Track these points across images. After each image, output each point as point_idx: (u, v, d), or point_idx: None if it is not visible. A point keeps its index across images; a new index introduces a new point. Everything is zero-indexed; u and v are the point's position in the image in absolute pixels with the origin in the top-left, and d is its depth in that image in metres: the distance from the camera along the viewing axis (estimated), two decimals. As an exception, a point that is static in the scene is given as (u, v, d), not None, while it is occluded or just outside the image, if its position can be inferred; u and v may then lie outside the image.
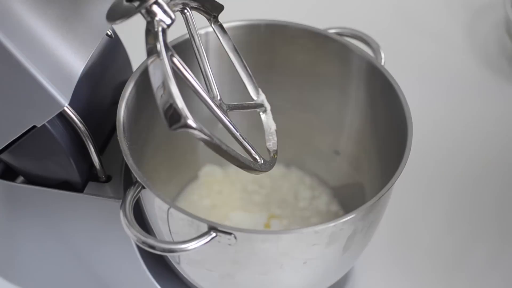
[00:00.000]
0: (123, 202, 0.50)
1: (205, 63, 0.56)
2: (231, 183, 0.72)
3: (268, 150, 0.58)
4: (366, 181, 0.67)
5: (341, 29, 0.65)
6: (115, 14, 0.46)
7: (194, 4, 0.55)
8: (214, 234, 0.49)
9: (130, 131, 0.56)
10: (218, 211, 0.70)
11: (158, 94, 0.43)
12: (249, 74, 0.59)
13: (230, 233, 0.49)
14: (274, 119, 0.60)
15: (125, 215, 0.49)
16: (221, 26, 0.58)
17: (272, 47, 0.66)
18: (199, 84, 0.49)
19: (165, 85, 0.43)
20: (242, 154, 0.51)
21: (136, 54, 0.63)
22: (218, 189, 0.72)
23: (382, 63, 0.62)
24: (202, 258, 0.54)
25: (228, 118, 0.53)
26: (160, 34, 0.45)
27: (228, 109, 0.56)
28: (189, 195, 0.72)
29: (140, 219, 0.56)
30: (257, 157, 0.55)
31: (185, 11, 0.54)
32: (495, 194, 0.76)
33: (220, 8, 0.57)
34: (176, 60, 0.47)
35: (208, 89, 0.56)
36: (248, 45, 0.64)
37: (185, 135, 0.44)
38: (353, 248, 0.55)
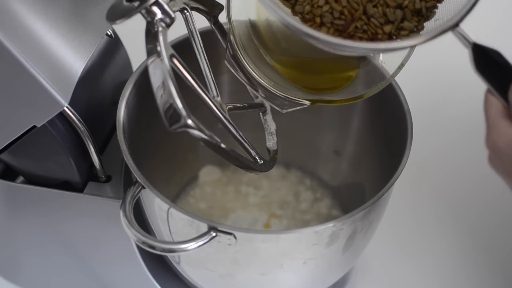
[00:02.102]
0: (123, 202, 0.50)
1: (205, 63, 0.56)
2: (231, 183, 0.72)
3: (268, 150, 0.58)
4: (366, 181, 0.67)
5: None
6: (115, 14, 0.46)
7: (194, 4, 0.55)
8: (214, 234, 0.49)
9: (130, 131, 0.56)
10: (218, 211, 0.70)
11: (158, 94, 0.43)
12: (249, 74, 0.59)
13: (230, 233, 0.49)
14: (274, 119, 0.60)
15: (125, 215, 0.49)
16: (221, 26, 0.58)
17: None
18: (199, 84, 0.49)
19: (165, 85, 0.43)
20: (242, 154, 0.51)
21: (136, 54, 0.63)
22: (218, 189, 0.72)
23: (380, 60, 0.62)
24: (202, 258, 0.54)
25: (228, 118, 0.53)
26: (160, 34, 0.45)
27: (228, 109, 0.56)
28: (188, 195, 0.72)
29: (140, 219, 0.56)
30: (257, 157, 0.55)
31: (185, 11, 0.54)
32: (495, 193, 0.76)
33: (220, 8, 0.57)
34: (176, 60, 0.47)
35: (208, 89, 0.56)
36: (248, 45, 0.64)
37: (185, 135, 0.44)
38: (353, 248, 0.55)
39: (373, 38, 0.48)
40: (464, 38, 0.45)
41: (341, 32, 0.48)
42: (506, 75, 0.43)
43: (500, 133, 0.42)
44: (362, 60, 0.57)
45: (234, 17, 0.54)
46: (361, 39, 0.48)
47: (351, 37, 0.48)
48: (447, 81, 0.90)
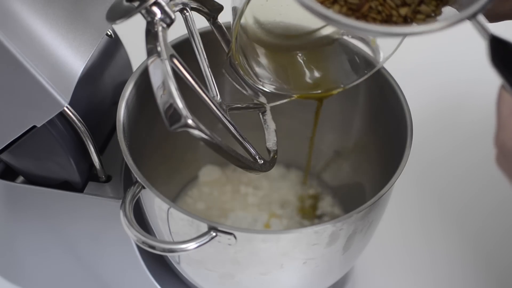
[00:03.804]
0: (123, 202, 0.50)
1: (205, 63, 0.56)
2: (230, 183, 0.72)
3: (268, 150, 0.58)
4: (366, 181, 0.67)
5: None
6: (115, 14, 0.46)
7: (194, 5, 0.55)
8: (214, 234, 0.49)
9: (130, 131, 0.56)
10: (218, 211, 0.70)
11: (158, 94, 0.43)
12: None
13: (230, 233, 0.49)
14: (274, 119, 0.60)
15: (125, 215, 0.49)
16: (220, 27, 0.58)
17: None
18: (199, 84, 0.50)
19: (165, 85, 0.43)
20: (242, 154, 0.51)
21: (136, 54, 0.63)
22: (218, 189, 0.72)
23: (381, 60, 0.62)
24: (202, 258, 0.54)
25: (228, 118, 0.53)
26: (160, 34, 0.45)
27: (228, 109, 0.56)
28: (188, 195, 0.72)
29: (140, 219, 0.56)
30: (257, 157, 0.55)
31: (185, 11, 0.54)
32: (495, 194, 0.76)
33: (220, 8, 0.57)
34: (176, 60, 0.47)
35: (208, 89, 0.56)
36: (247, 45, 0.64)
37: (185, 135, 0.44)
38: (353, 248, 0.55)
39: (387, 20, 0.46)
40: (482, 29, 0.43)
41: (354, 12, 0.46)
42: None
43: (511, 133, 0.40)
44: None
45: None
46: (374, 20, 0.46)
47: (364, 17, 0.46)
48: (448, 81, 0.90)
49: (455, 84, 0.89)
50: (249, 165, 0.52)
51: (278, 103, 0.59)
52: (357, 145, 0.67)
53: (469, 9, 0.43)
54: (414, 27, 0.45)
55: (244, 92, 0.58)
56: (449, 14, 0.47)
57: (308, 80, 0.60)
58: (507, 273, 0.70)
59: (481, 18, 0.43)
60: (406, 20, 0.46)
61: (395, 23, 0.46)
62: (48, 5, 0.50)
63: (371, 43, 0.59)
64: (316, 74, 0.60)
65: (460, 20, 0.42)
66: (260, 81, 0.57)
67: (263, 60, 0.59)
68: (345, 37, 0.63)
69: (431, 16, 0.46)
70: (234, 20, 0.53)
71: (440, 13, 0.47)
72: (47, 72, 0.49)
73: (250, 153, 0.54)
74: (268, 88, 0.58)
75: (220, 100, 0.56)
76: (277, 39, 0.59)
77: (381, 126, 0.63)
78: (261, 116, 0.60)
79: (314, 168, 0.73)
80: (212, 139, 0.45)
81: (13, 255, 0.65)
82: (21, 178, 0.59)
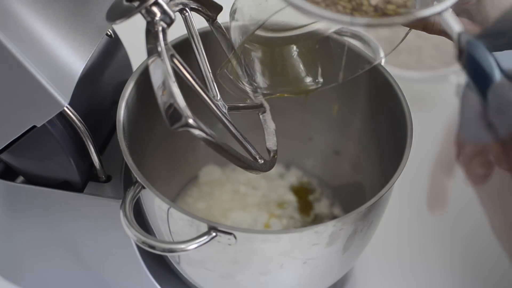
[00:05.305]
0: (123, 202, 0.50)
1: (205, 63, 0.56)
2: (230, 183, 0.72)
3: (268, 150, 0.59)
4: (366, 181, 0.67)
5: (341, 29, 0.65)
6: (115, 14, 0.46)
7: (194, 5, 0.55)
8: (214, 234, 0.49)
9: (130, 131, 0.56)
10: (217, 211, 0.70)
11: (159, 93, 0.43)
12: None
13: (230, 233, 0.49)
14: (274, 119, 0.60)
15: (125, 215, 0.49)
16: (219, 27, 0.58)
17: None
18: (199, 83, 0.50)
19: (165, 84, 0.43)
20: (242, 154, 0.51)
21: (136, 54, 0.63)
22: (218, 189, 0.72)
23: (382, 63, 0.62)
24: (202, 258, 0.54)
25: (228, 117, 0.53)
26: (160, 34, 0.45)
27: (228, 109, 0.56)
28: (188, 195, 0.72)
29: (140, 219, 0.56)
30: (257, 157, 0.55)
31: (185, 11, 0.54)
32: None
33: (219, 9, 0.57)
34: (176, 60, 0.47)
35: (208, 89, 0.56)
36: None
37: (185, 135, 0.44)
38: (353, 248, 0.55)
39: (358, 9, 0.45)
40: (449, 26, 0.41)
41: None
42: (487, 72, 0.39)
43: (472, 132, 0.40)
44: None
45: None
46: (344, 8, 0.45)
47: (335, 4, 0.45)
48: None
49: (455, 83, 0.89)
50: (249, 165, 0.52)
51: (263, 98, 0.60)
52: (357, 145, 0.67)
53: (440, 5, 0.42)
54: (362, 19, 0.44)
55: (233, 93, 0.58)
56: (421, 4, 0.45)
57: (294, 78, 0.60)
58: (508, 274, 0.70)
59: (448, 16, 0.41)
60: (376, 10, 0.45)
61: (366, 12, 0.45)
62: (48, 5, 0.50)
63: None
64: (304, 71, 0.60)
65: (425, 16, 0.41)
66: (250, 84, 0.58)
67: (254, 58, 0.59)
68: (337, 35, 0.63)
69: (403, 6, 0.45)
70: (235, 29, 0.53)
71: (413, 3, 0.45)
72: (47, 72, 0.49)
73: (250, 153, 0.54)
74: (257, 89, 0.58)
75: (220, 100, 0.56)
76: (270, 34, 0.59)
77: (381, 126, 0.63)
78: (260, 116, 0.60)
79: (314, 168, 0.73)
80: (213, 138, 0.45)
81: (13, 255, 0.65)
82: (21, 178, 0.59)
